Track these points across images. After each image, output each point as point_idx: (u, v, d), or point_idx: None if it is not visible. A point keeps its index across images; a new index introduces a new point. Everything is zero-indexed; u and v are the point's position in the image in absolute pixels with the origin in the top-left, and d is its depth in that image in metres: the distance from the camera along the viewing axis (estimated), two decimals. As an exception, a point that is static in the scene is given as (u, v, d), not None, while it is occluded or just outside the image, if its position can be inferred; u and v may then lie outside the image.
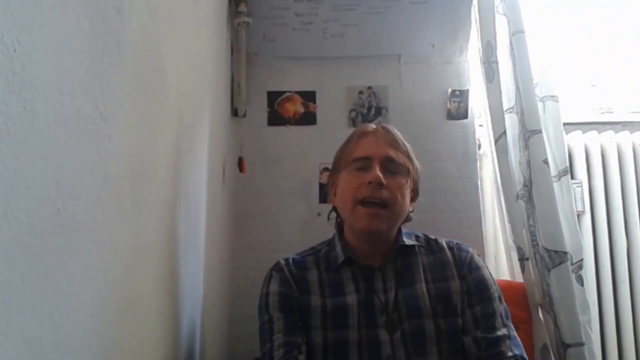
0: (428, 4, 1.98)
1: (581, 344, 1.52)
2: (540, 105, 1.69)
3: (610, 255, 1.94)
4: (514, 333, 1.12)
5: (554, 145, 1.70)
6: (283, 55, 2.07)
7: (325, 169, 2.02)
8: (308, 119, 2.06)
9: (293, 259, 1.22)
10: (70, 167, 0.57)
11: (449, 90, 2.07)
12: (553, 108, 1.74)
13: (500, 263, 2.01)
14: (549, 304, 1.58)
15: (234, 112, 2.00)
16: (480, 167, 2.08)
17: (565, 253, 1.56)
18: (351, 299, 1.11)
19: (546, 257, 1.57)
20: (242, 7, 1.90)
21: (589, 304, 1.67)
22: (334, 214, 1.26)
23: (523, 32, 1.68)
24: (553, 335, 1.58)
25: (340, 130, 2.05)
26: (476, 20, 1.94)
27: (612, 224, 1.95)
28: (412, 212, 1.23)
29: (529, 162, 1.63)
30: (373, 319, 1.09)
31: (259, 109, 2.06)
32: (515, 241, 1.72)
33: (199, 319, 1.35)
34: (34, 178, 0.50)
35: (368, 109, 2.07)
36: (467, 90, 2.06)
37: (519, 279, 1.74)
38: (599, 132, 2.02)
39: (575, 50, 2.19)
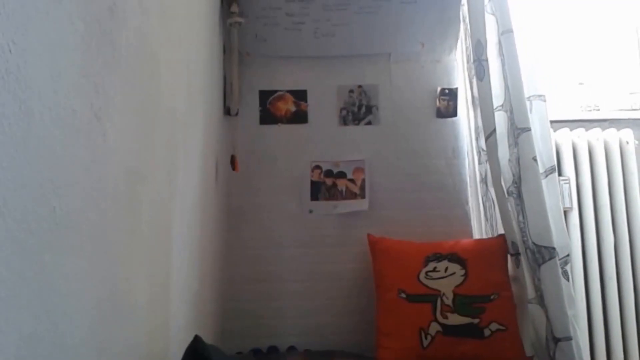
0: (417, 3, 1.99)
1: (570, 338, 1.55)
2: (526, 104, 1.71)
3: (598, 251, 1.96)
4: None
5: (540, 144, 1.72)
6: (275, 54, 2.08)
7: (317, 166, 2.04)
8: (299, 117, 2.08)
9: None
10: (65, 166, 0.58)
11: (438, 88, 2.09)
12: (540, 107, 1.76)
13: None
14: (540, 299, 1.60)
15: (227, 111, 2.01)
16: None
17: (554, 248, 1.58)
18: None
19: (536, 252, 1.60)
20: (234, 8, 1.91)
21: (575, 299, 1.70)
22: None
23: (512, 31, 1.70)
24: (545, 329, 1.61)
25: (331, 128, 2.08)
26: (464, 19, 1.97)
27: (599, 221, 1.98)
28: None
29: (518, 160, 1.65)
30: None
31: (251, 108, 2.07)
32: (508, 237, 1.74)
33: (192, 315, 1.35)
34: (29, 177, 0.50)
35: (359, 107, 2.08)
36: (456, 88, 2.09)
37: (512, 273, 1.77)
38: (586, 130, 2.05)
39: (563, 48, 2.21)
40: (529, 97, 1.74)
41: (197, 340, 1.01)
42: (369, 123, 2.08)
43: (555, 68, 2.19)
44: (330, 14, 1.99)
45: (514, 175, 1.68)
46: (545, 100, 1.77)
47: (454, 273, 1.73)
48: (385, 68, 2.11)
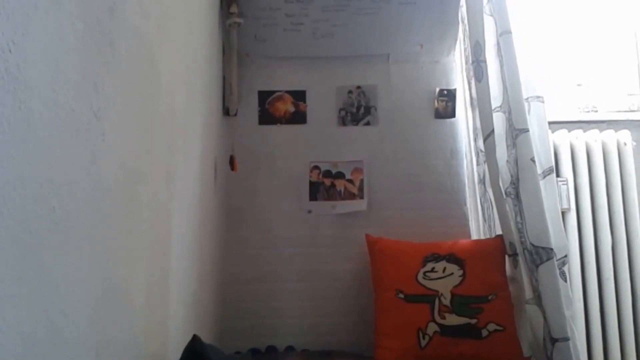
0: (416, 5, 2.00)
1: (567, 339, 1.55)
2: (525, 105, 1.71)
3: (596, 252, 1.96)
4: None
5: (539, 145, 1.72)
6: (274, 55, 2.08)
7: (315, 167, 2.04)
8: (298, 118, 2.08)
9: None
10: (65, 166, 0.58)
11: (437, 89, 2.09)
12: (538, 108, 1.76)
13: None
14: (538, 300, 1.61)
15: (226, 112, 2.01)
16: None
17: (552, 249, 1.59)
18: None
19: (534, 253, 1.60)
20: (234, 8, 1.91)
21: (572, 299, 1.70)
22: None
23: (510, 32, 1.70)
24: (542, 330, 1.61)
25: (330, 129, 2.08)
26: (463, 20, 1.97)
27: (597, 222, 1.98)
28: None
29: (516, 160, 1.66)
30: None
31: (250, 109, 2.07)
32: (506, 237, 1.75)
33: (191, 314, 1.35)
34: (29, 177, 0.51)
35: (357, 108, 2.09)
36: (455, 89, 2.09)
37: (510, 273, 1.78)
38: (584, 131, 2.05)
39: (561, 50, 2.22)
40: (527, 98, 1.74)
41: (195, 340, 1.01)
42: (368, 124, 2.09)
43: (554, 69, 2.19)
44: (329, 14, 2.00)
45: (512, 176, 1.69)
46: (543, 102, 1.78)
47: (452, 273, 1.73)
48: (384, 69, 2.11)
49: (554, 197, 1.71)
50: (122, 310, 0.78)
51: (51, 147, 0.55)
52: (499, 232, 1.79)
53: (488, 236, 1.91)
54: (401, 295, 1.71)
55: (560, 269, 1.63)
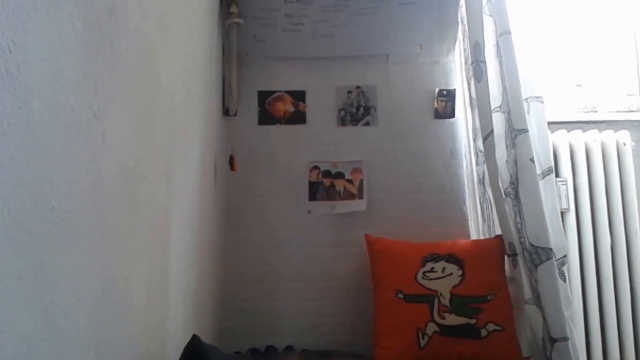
0: (416, 5, 2.00)
1: (566, 339, 1.55)
2: (524, 105, 1.71)
3: (595, 252, 1.96)
4: None
5: (538, 145, 1.72)
6: (273, 55, 2.09)
7: (315, 167, 2.04)
8: (298, 118, 2.08)
9: None
10: (64, 165, 0.58)
11: (436, 89, 2.10)
12: (537, 108, 1.77)
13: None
14: (537, 300, 1.61)
15: (225, 112, 2.01)
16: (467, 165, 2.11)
17: (551, 249, 1.59)
18: None
19: (533, 253, 1.60)
20: (233, 8, 1.91)
21: (571, 299, 1.71)
22: None
23: (510, 33, 1.70)
24: (541, 330, 1.62)
25: (330, 129, 2.08)
26: (462, 20, 1.97)
27: (596, 222, 1.98)
28: None
29: (515, 161, 1.66)
30: None
31: (250, 109, 2.07)
32: (505, 238, 1.75)
33: (191, 314, 1.35)
34: (28, 176, 0.51)
35: (357, 108, 2.09)
36: (454, 89, 2.09)
37: (509, 274, 1.78)
38: (584, 131, 2.05)
39: (560, 50, 2.22)
40: (526, 99, 1.74)
41: (195, 339, 1.01)
42: (367, 124, 2.09)
43: (553, 70, 2.20)
44: (328, 15, 2.00)
45: (511, 176, 1.69)
46: (542, 102, 1.78)
47: (451, 273, 1.74)
48: (384, 69, 2.11)
49: (553, 197, 1.72)
50: (122, 310, 0.78)
51: (51, 147, 0.55)
52: (498, 232, 1.79)
53: (487, 236, 1.92)
54: (400, 295, 1.71)
55: (559, 269, 1.63)
